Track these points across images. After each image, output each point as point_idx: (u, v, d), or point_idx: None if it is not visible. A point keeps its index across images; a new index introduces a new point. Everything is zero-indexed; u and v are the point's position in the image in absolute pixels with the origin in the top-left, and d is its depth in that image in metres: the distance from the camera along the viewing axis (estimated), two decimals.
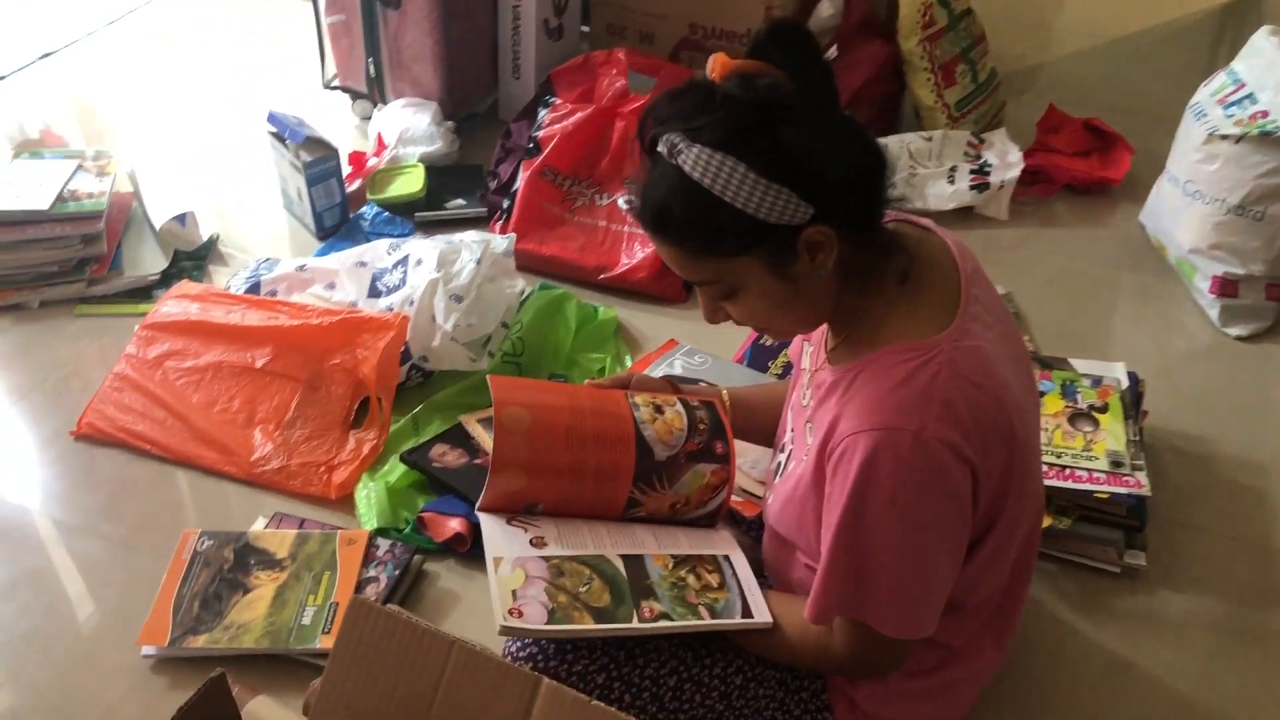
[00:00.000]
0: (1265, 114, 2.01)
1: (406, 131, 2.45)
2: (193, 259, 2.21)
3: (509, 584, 1.19)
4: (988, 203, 2.37)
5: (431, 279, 1.85)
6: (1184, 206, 2.14)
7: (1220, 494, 1.79)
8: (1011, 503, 1.18)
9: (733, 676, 1.28)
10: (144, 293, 2.13)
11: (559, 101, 2.31)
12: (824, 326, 1.27)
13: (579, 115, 2.26)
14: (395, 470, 1.75)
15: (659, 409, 1.36)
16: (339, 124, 2.64)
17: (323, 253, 2.19)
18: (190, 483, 1.79)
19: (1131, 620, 1.60)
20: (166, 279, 2.14)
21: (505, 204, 2.27)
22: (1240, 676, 1.53)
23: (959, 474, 1.09)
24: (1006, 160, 2.40)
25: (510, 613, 1.15)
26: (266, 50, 3.04)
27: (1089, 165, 2.49)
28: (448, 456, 1.76)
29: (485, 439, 1.78)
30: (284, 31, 3.10)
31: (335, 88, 2.65)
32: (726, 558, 1.30)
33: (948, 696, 1.34)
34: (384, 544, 1.63)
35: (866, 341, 1.16)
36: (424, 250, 1.94)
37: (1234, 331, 2.11)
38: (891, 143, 2.42)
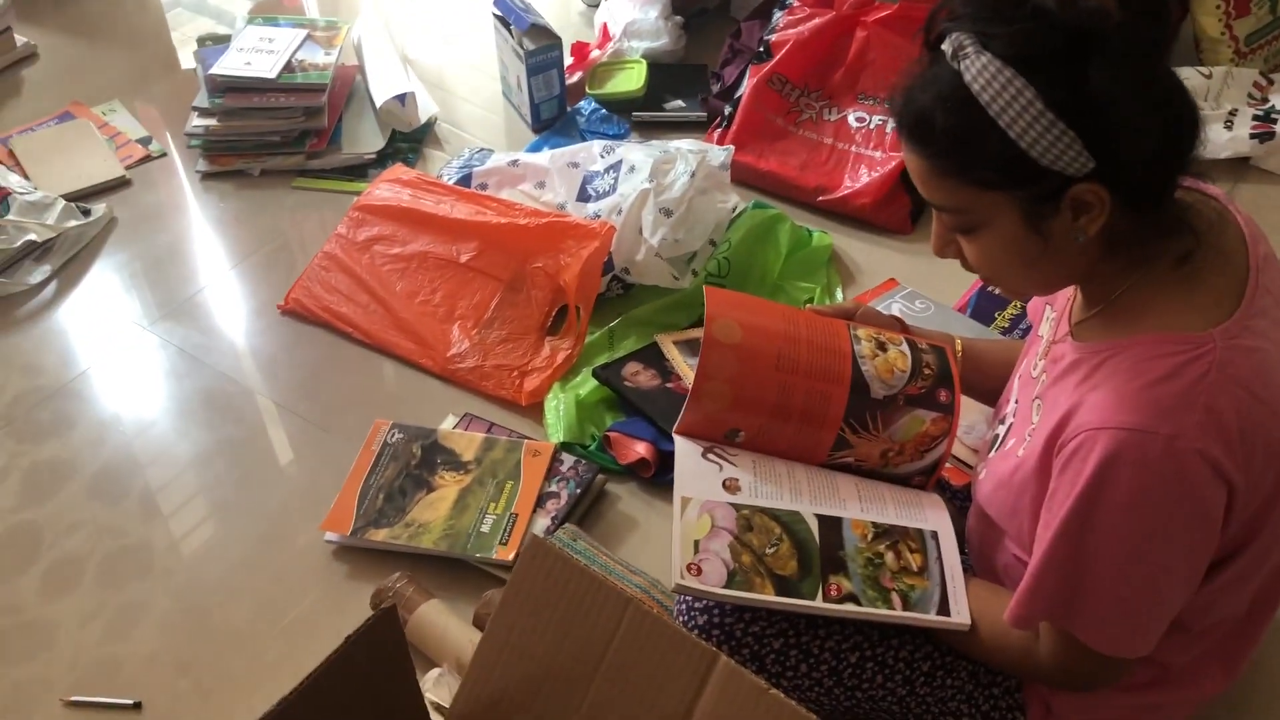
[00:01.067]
0: None
1: (633, 24, 2.34)
2: (409, 141, 2.20)
3: (693, 532, 1.13)
4: (1269, 155, 2.09)
5: (643, 189, 1.77)
6: None
7: None
8: (1269, 531, 1.03)
9: (920, 662, 1.18)
10: (359, 171, 2.13)
11: (797, 3, 2.15)
12: (1070, 291, 1.12)
13: (817, 21, 2.10)
14: (587, 383, 1.71)
15: (882, 346, 1.25)
16: (565, 11, 2.57)
17: (536, 147, 2.13)
18: (387, 371, 1.80)
19: None
20: (382, 159, 2.14)
21: (727, 110, 2.14)
22: None
23: (1213, 491, 0.95)
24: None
25: (689, 568, 1.09)
26: None
27: None
28: (640, 376, 1.71)
29: (680, 362, 1.71)
30: None
31: None
32: (935, 535, 1.18)
33: (1155, 717, 1.21)
34: (568, 459, 1.59)
35: (1124, 322, 1.01)
36: (638, 156, 1.86)
37: None
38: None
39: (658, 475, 1.60)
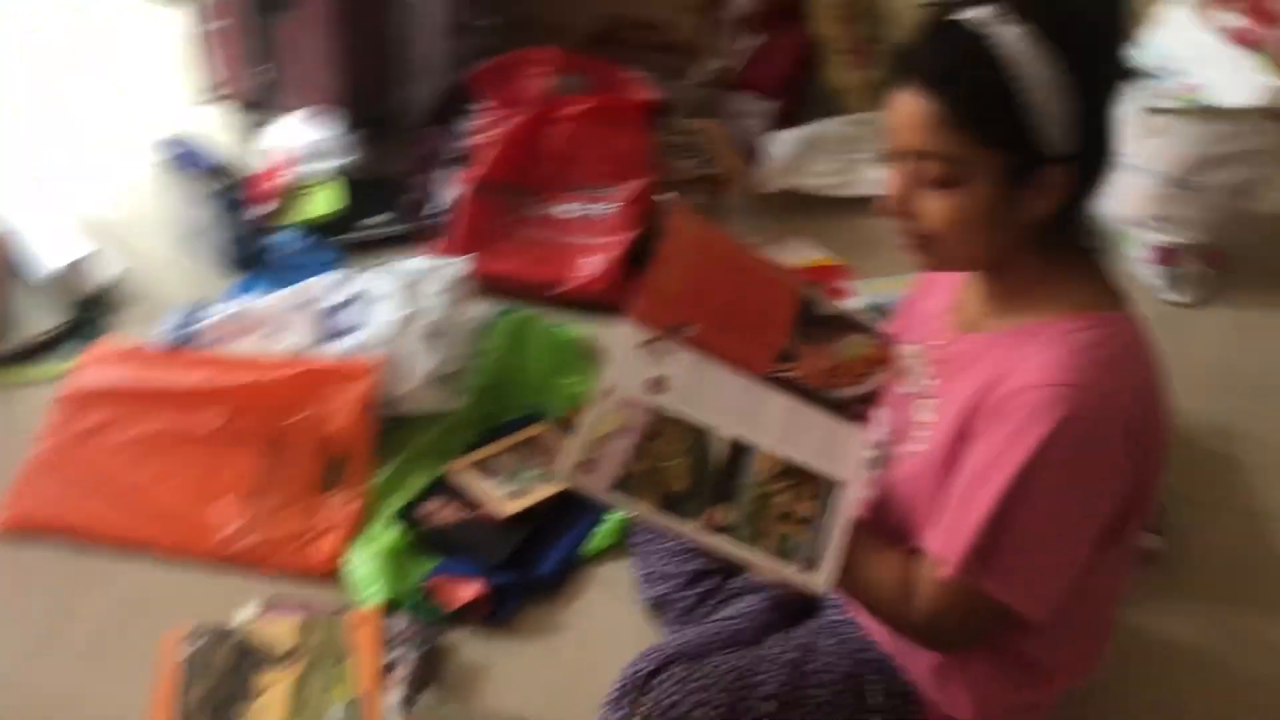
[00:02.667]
0: (1199, 86, 2.07)
1: (309, 145, 2.23)
2: (92, 309, 1.95)
3: (601, 426, 1.07)
4: None
5: (403, 315, 1.69)
6: (1118, 180, 2.18)
7: (1205, 464, 1.84)
8: (1136, 518, 1.14)
9: None
10: (46, 349, 1.87)
11: (487, 106, 2.15)
12: (945, 302, 1.22)
13: (513, 121, 2.11)
14: (388, 532, 1.59)
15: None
16: (230, 143, 2.38)
17: (246, 289, 1.97)
18: (152, 574, 1.57)
19: (1159, 600, 1.61)
20: (66, 334, 1.88)
21: (436, 220, 2.10)
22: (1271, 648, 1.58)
23: (1125, 453, 1.05)
24: None
25: (581, 465, 1.04)
26: (129, 66, 2.68)
27: None
28: (444, 512, 1.62)
29: (478, 488, 1.64)
30: (149, 43, 2.74)
31: (222, 99, 2.39)
32: (841, 487, 1.15)
33: (1032, 717, 1.30)
34: (399, 620, 1.47)
35: (1036, 306, 1.10)
36: (380, 283, 1.77)
37: (1177, 298, 2.18)
38: (828, 128, 2.36)
39: (497, 613, 1.52)
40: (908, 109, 1.06)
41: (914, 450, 1.18)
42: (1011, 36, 1.01)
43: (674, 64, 2.40)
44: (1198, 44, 2.12)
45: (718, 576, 1.45)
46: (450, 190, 2.10)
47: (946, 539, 1.09)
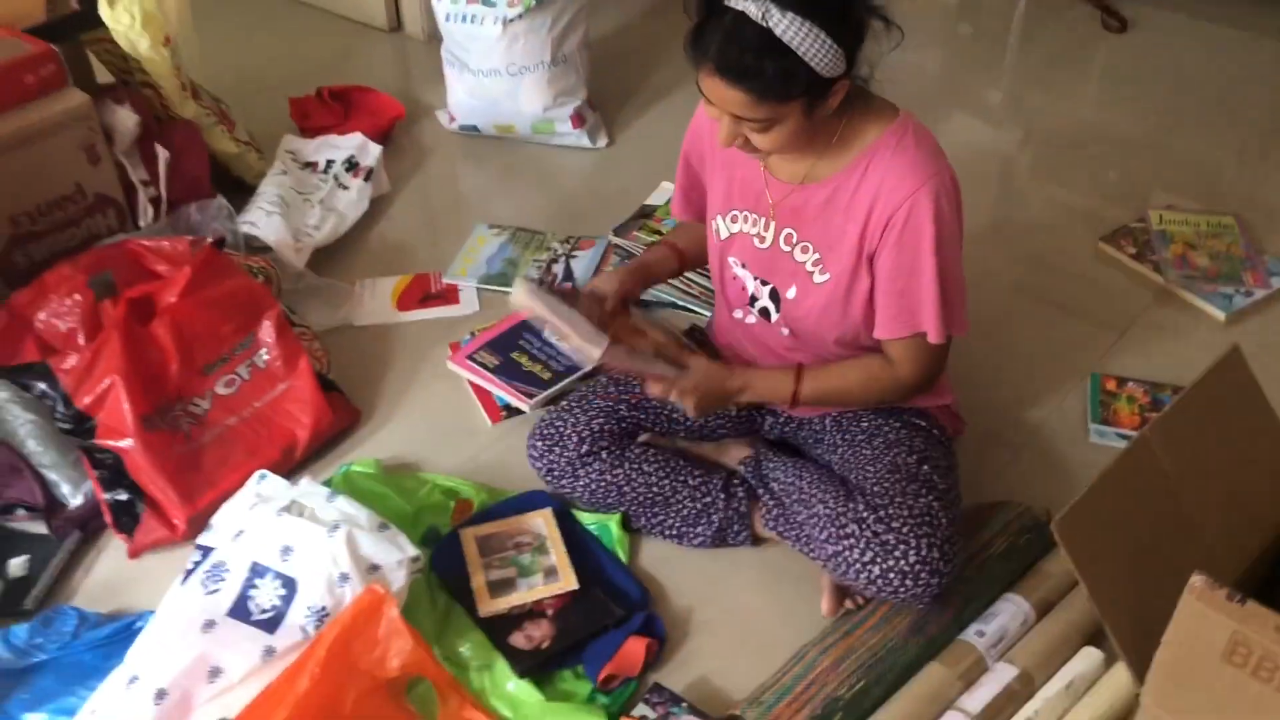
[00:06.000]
0: None
1: None
2: None
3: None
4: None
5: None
6: (514, 86, 2.59)
7: None
8: None
9: None
10: None
11: (70, 357, 1.77)
12: (756, 167, 1.57)
13: (100, 345, 1.78)
14: (530, 696, 1.52)
15: None
16: None
17: None
18: None
19: None
20: None
21: (117, 498, 1.74)
22: None
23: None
24: (364, 149, 2.53)
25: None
26: None
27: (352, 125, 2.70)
28: (538, 632, 1.60)
29: (529, 590, 1.63)
30: None
31: None
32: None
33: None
34: None
35: (852, 142, 1.50)
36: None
37: (602, 143, 2.72)
38: (271, 189, 2.33)
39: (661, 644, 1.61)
40: (719, 92, 1.38)
41: (818, 282, 1.57)
42: (786, 24, 1.31)
43: (111, 224, 2.15)
44: None
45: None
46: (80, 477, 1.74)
47: (910, 321, 1.52)
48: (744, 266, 1.65)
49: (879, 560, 1.48)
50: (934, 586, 1.48)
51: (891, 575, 1.47)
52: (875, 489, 1.54)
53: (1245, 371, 1.42)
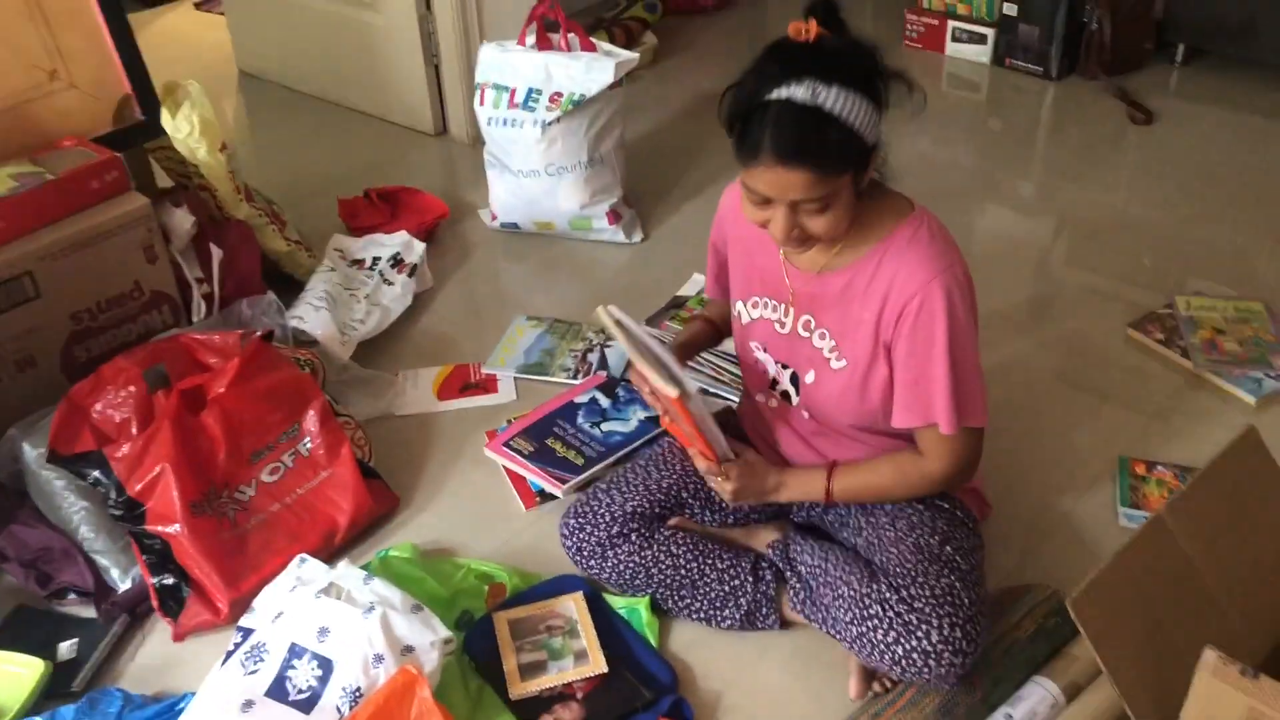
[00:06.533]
0: (559, 94, 2.63)
1: None
2: None
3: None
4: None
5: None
6: (552, 186, 2.69)
7: None
8: None
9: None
10: None
11: (124, 446, 1.85)
12: (776, 256, 1.62)
13: (152, 434, 1.86)
14: None
15: None
16: None
17: None
18: None
19: None
20: None
21: (164, 581, 1.81)
22: None
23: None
24: (409, 246, 2.63)
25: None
26: None
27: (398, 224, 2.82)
28: (568, 714, 1.61)
29: (554, 676, 1.65)
30: None
31: None
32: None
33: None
34: None
35: (870, 233, 1.54)
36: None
37: (637, 238, 2.80)
38: (320, 284, 2.44)
39: None
40: (780, 181, 1.40)
41: (835, 368, 1.62)
42: (834, 97, 1.37)
43: (166, 319, 2.25)
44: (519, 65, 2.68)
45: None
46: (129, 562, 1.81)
47: (923, 411, 1.55)
48: (765, 350, 1.70)
49: (902, 640, 1.49)
50: (958, 666, 1.49)
51: (915, 655, 1.48)
52: (898, 570, 1.56)
53: (1262, 451, 1.44)
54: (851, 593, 1.56)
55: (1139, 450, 2.09)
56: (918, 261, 1.51)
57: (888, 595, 1.52)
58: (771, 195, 1.44)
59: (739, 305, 1.73)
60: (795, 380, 1.68)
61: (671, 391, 1.49)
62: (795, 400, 1.69)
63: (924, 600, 1.50)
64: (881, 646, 1.51)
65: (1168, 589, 1.32)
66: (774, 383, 1.71)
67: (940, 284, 1.49)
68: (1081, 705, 1.57)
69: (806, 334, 1.63)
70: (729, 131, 1.46)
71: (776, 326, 1.67)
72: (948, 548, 1.59)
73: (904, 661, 1.50)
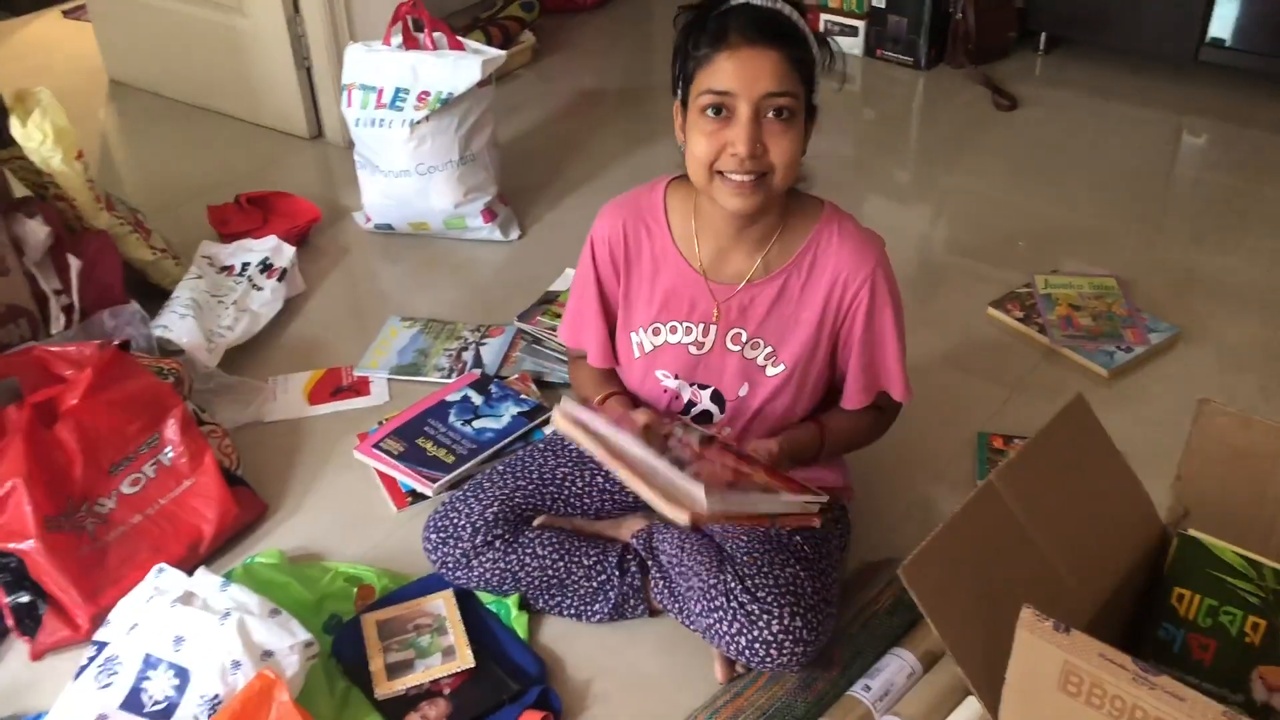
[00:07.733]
0: (426, 93, 2.61)
1: None
2: None
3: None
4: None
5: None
6: (424, 185, 2.67)
7: None
8: None
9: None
10: None
11: None
12: (685, 275, 1.61)
13: (2, 450, 1.81)
14: None
15: None
16: None
17: None
18: None
19: None
20: None
21: (19, 600, 1.76)
22: None
23: None
24: (279, 250, 2.59)
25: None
26: None
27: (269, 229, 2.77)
28: (434, 711, 1.61)
29: (424, 671, 1.65)
30: None
31: None
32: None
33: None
34: None
35: (794, 235, 1.59)
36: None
37: (514, 235, 2.80)
38: (185, 292, 2.39)
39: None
40: (747, 66, 1.40)
41: (771, 374, 1.64)
42: (792, 14, 1.45)
43: (24, 333, 2.19)
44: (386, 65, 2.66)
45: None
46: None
47: (874, 386, 1.64)
48: (675, 377, 1.69)
49: (745, 632, 1.52)
50: (799, 655, 1.52)
51: (757, 645, 1.51)
52: (745, 559, 1.58)
53: (1090, 418, 1.49)
54: (700, 583, 1.58)
55: (997, 425, 2.15)
56: (854, 254, 1.56)
57: (733, 585, 1.54)
58: (735, 88, 1.40)
59: (637, 336, 1.69)
60: (718, 398, 1.68)
61: (682, 518, 1.29)
62: (718, 417, 1.69)
63: (767, 590, 1.53)
64: (728, 637, 1.53)
65: (1000, 554, 1.36)
66: (689, 405, 1.70)
67: (881, 272, 1.57)
68: (938, 673, 1.62)
69: (736, 347, 1.64)
70: (683, 44, 1.46)
71: (691, 349, 1.65)
72: (797, 536, 1.62)
73: (748, 651, 1.52)
